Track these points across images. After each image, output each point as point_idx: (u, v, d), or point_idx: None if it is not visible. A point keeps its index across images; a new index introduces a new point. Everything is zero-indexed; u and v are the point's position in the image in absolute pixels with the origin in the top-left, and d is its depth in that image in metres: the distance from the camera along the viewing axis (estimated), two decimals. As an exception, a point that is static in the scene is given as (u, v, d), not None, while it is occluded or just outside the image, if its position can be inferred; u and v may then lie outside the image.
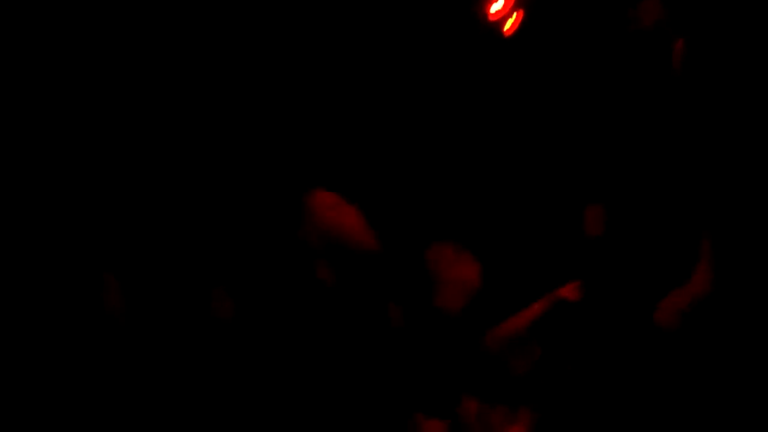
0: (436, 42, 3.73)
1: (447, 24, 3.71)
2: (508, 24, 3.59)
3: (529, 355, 3.30)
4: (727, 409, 2.15)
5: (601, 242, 3.70)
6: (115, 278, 2.98)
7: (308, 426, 2.65)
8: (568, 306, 3.31)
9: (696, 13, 2.34)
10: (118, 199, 3.42)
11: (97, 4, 3.51)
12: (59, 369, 2.82)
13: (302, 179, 3.01)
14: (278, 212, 2.80)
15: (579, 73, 3.68)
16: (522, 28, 3.59)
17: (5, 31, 3.39)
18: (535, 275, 3.56)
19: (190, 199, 3.48)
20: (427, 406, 2.93)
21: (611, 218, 3.74)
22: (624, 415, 2.89)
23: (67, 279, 2.96)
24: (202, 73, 3.61)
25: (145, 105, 3.54)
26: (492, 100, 3.77)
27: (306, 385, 2.66)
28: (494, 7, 3.56)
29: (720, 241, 2.19)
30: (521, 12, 3.57)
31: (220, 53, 3.62)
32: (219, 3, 3.62)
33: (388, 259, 2.83)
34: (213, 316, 3.10)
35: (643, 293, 3.04)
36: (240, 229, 3.38)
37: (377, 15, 3.69)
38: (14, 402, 2.77)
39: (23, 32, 3.42)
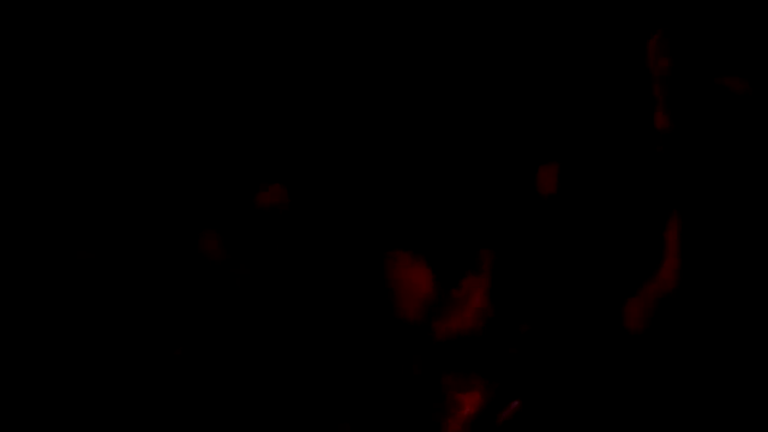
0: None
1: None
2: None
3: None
4: (699, 408, 2.19)
5: (555, 204, 3.75)
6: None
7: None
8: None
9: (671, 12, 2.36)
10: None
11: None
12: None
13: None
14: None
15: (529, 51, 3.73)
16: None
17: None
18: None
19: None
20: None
21: (565, 178, 3.79)
22: (584, 394, 2.95)
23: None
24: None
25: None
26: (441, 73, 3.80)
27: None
28: None
29: (688, 230, 2.22)
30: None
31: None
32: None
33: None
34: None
35: (605, 284, 3.10)
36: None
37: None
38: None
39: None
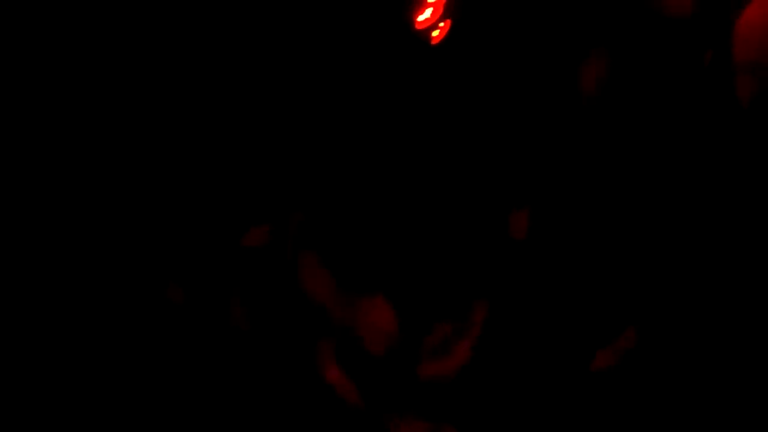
0: (361, 50, 3.76)
1: (373, 32, 3.74)
2: (435, 33, 3.64)
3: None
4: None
5: (524, 247, 3.76)
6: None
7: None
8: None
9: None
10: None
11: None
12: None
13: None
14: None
15: (505, 82, 3.74)
16: (449, 38, 3.64)
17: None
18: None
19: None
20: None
21: (535, 223, 3.80)
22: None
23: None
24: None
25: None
26: (418, 109, 3.82)
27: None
28: (421, 17, 3.60)
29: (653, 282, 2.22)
30: (448, 21, 3.62)
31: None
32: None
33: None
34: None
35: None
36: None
37: (303, 24, 3.71)
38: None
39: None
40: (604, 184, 3.05)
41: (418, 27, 3.64)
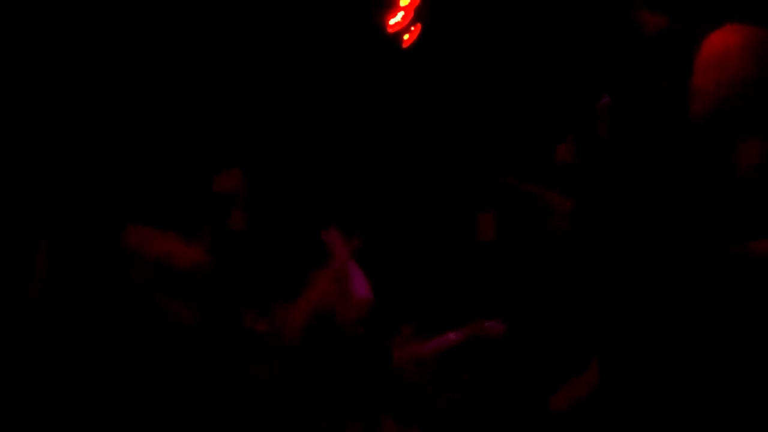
0: (334, 53, 3.79)
1: (345, 36, 3.77)
2: (406, 36, 3.68)
3: (440, 378, 3.38)
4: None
5: (492, 248, 3.80)
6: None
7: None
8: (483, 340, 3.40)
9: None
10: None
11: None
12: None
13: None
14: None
15: (474, 84, 3.79)
16: (419, 41, 3.68)
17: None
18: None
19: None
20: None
21: (502, 224, 3.84)
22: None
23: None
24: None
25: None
26: (388, 112, 3.85)
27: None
28: (393, 20, 3.64)
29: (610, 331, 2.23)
30: (419, 25, 3.66)
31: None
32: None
33: (224, 273, 2.89)
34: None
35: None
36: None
37: (277, 26, 3.73)
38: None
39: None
40: (572, 185, 3.08)
41: (389, 30, 3.67)
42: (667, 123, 2.02)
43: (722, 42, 1.95)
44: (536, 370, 3.45)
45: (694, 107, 1.98)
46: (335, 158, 3.86)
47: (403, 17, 3.63)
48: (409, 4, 3.64)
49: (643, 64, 2.11)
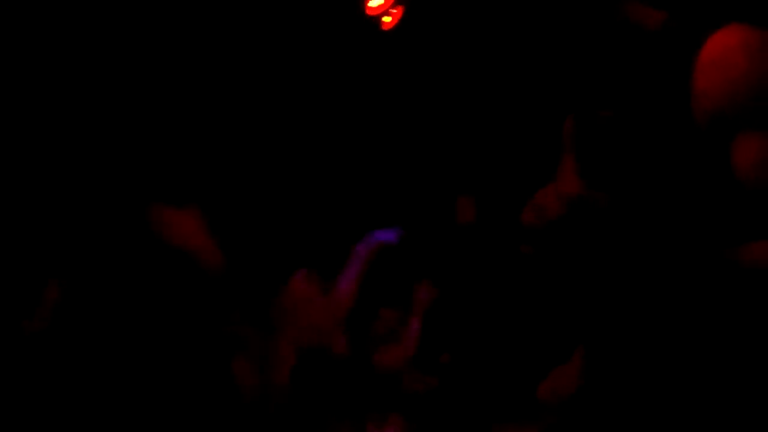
0: (312, 36, 3.75)
1: (324, 18, 3.73)
2: (387, 19, 3.63)
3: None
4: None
5: (472, 232, 3.79)
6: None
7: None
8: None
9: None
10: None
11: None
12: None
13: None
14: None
15: (457, 69, 3.75)
16: (402, 24, 3.63)
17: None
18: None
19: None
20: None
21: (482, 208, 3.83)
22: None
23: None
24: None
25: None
26: (369, 96, 3.82)
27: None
28: (373, 2, 3.59)
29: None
30: (401, 8, 3.62)
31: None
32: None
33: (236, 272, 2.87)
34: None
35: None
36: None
37: (255, 12, 3.69)
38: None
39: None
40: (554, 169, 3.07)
41: (369, 12, 3.63)
42: (667, 124, 2.01)
43: (723, 42, 1.95)
44: (520, 355, 3.45)
45: (695, 108, 1.99)
46: (314, 146, 3.83)
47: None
48: (391, -16, 3.59)
49: (641, 63, 2.10)
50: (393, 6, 3.61)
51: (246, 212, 3.49)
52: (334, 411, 3.14)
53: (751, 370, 1.95)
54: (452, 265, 3.74)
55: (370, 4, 3.61)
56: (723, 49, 1.94)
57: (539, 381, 2.87)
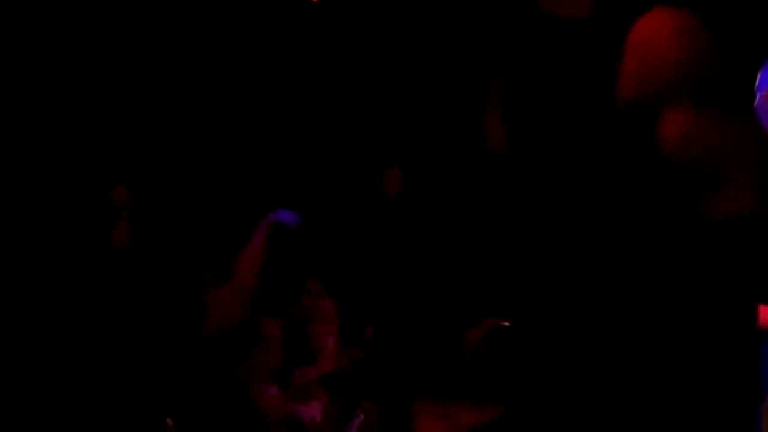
0: (237, 7, 3.72)
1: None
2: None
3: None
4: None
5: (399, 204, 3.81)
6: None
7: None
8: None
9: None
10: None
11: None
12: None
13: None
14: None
15: (386, 41, 3.75)
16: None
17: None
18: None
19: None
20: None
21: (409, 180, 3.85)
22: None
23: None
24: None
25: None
26: (299, 68, 3.80)
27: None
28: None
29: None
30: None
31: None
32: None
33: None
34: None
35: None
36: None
37: None
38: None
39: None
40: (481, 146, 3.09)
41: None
42: (593, 107, 2.03)
43: (651, 25, 1.98)
44: (445, 323, 3.48)
45: (622, 90, 2.01)
46: (243, 118, 3.81)
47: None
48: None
49: (568, 46, 2.11)
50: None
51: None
52: (256, 383, 3.14)
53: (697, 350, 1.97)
54: (369, 242, 3.76)
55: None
56: (652, 30, 1.97)
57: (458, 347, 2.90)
